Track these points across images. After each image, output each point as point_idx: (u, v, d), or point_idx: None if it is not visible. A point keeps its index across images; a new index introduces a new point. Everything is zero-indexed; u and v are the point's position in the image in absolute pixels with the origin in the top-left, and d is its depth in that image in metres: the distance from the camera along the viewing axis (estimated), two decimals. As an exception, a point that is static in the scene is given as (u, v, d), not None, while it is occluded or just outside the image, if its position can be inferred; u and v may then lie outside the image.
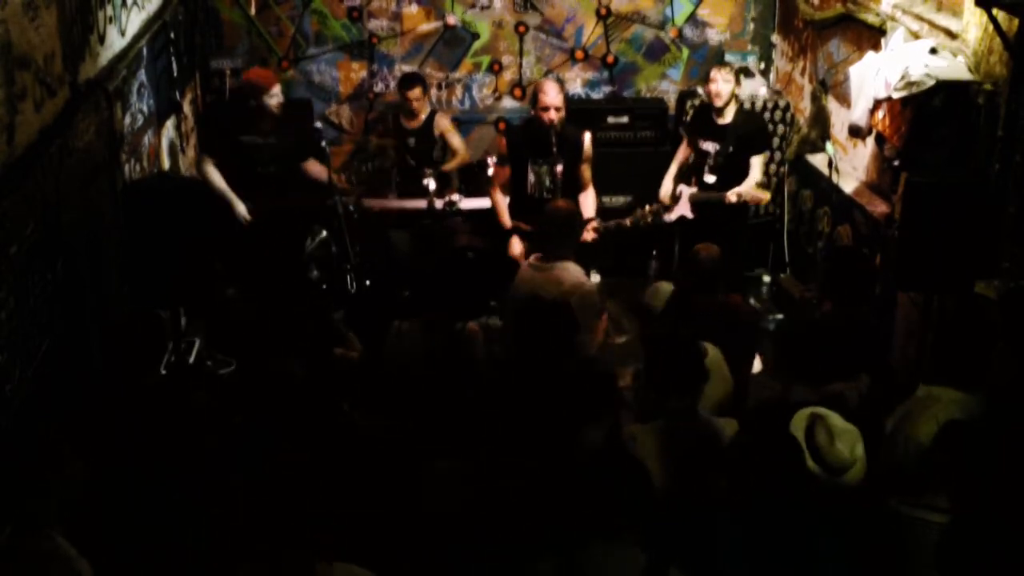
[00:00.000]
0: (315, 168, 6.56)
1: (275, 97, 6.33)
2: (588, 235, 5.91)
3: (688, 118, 7.48)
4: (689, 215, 6.64)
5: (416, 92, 7.38)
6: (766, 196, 6.68)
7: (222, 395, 4.03)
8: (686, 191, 6.71)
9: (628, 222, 6.02)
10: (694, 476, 3.54)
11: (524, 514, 3.32)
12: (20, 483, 2.93)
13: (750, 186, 6.49)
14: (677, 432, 3.65)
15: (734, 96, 6.61)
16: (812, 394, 4.05)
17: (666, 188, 6.90)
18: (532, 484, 3.37)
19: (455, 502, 3.38)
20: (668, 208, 6.77)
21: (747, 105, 7.67)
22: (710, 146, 6.65)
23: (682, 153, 6.99)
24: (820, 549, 3.10)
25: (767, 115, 7.62)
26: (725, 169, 6.58)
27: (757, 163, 6.60)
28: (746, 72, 7.92)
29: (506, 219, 6.22)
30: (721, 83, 6.55)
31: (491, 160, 6.69)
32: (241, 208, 6.27)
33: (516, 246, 6.07)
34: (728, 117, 6.62)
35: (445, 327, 4.61)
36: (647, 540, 2.98)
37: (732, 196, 6.43)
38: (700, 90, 8.03)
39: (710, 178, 6.61)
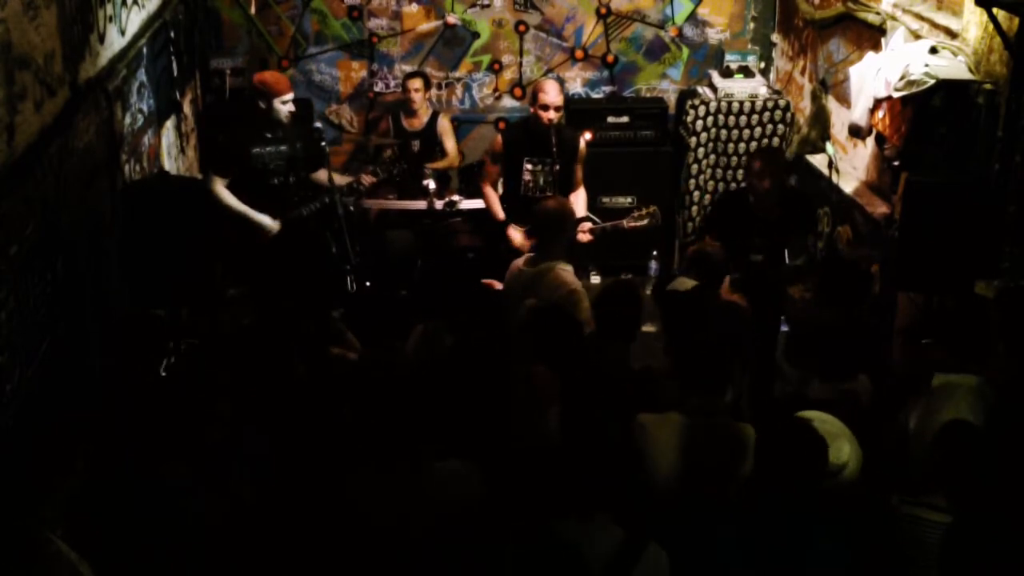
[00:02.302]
0: (322, 176, 6.32)
1: (289, 105, 5.99)
2: (583, 236, 5.85)
3: (710, 211, 6.61)
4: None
5: (416, 83, 7.40)
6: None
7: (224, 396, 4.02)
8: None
9: (625, 224, 5.89)
10: (707, 476, 3.54)
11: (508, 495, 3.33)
12: (24, 485, 2.93)
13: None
14: (694, 429, 3.63)
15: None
16: (828, 391, 4.05)
17: None
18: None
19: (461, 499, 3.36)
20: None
21: (747, 105, 7.68)
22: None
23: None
24: (820, 548, 3.10)
25: (767, 115, 7.61)
26: (773, 247, 5.76)
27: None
28: (746, 72, 7.91)
29: (499, 211, 6.21)
30: (770, 178, 5.54)
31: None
32: (267, 221, 6.00)
33: (516, 235, 6.04)
34: (773, 208, 5.68)
35: (472, 329, 4.56)
36: (627, 518, 3.00)
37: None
38: (701, 89, 8.01)
39: (755, 257, 5.71)
